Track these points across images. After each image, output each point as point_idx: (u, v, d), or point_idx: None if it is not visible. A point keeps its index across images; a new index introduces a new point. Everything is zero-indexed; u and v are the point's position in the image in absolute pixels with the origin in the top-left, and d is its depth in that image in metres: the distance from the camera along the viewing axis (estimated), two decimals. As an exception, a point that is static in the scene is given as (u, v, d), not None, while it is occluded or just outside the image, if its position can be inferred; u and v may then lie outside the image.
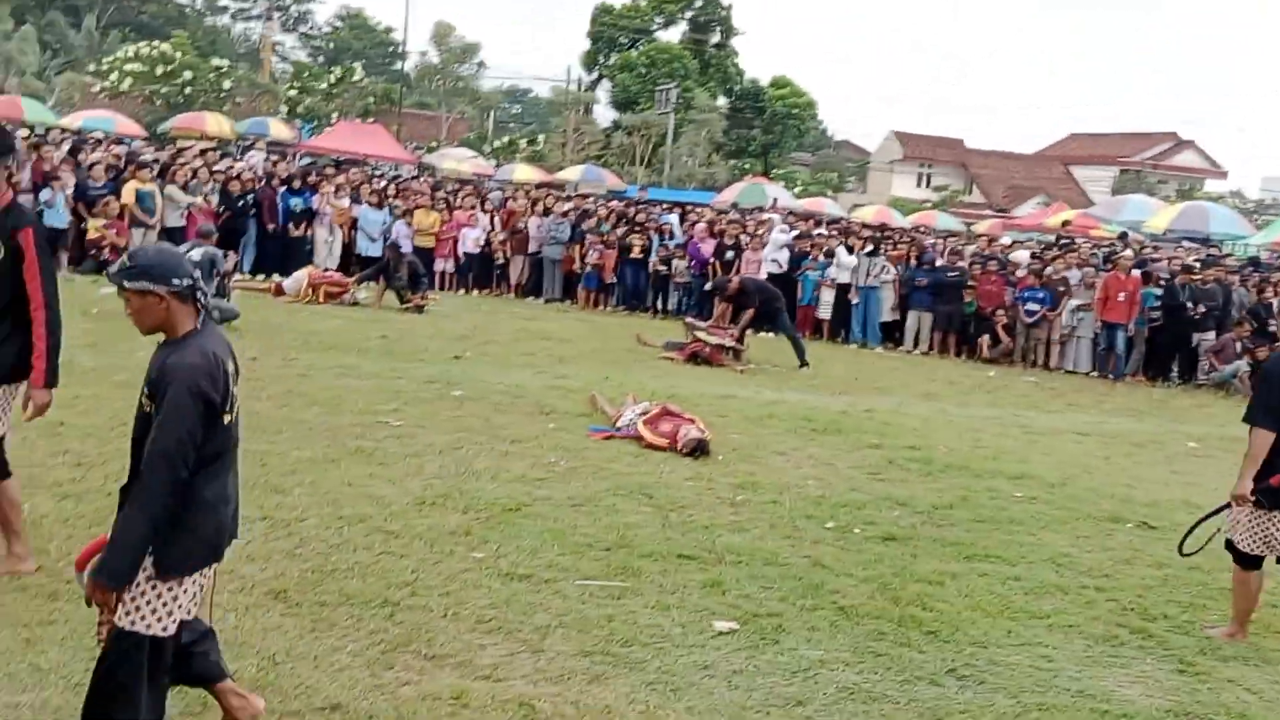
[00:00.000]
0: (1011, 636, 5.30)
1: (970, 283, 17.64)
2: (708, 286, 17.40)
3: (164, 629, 3.27)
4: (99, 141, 20.65)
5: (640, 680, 4.48)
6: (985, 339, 17.49)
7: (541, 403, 9.97)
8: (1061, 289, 17.27)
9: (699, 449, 8.34)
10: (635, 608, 5.25)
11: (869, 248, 18.23)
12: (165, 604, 3.26)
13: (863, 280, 17.90)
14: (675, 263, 18.74)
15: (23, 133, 18.94)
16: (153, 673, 3.27)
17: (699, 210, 22.75)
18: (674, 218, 20.51)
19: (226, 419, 3.34)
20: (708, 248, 18.62)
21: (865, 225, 23.19)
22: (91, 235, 15.71)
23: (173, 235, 16.04)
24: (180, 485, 3.20)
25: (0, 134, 4.65)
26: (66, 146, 17.48)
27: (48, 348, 4.67)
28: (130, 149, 20.12)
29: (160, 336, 3.39)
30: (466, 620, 4.91)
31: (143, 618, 3.23)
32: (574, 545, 6.05)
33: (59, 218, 15.50)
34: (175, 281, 3.30)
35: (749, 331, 14.87)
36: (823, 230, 20.35)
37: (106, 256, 15.66)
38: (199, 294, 3.35)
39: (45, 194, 15.41)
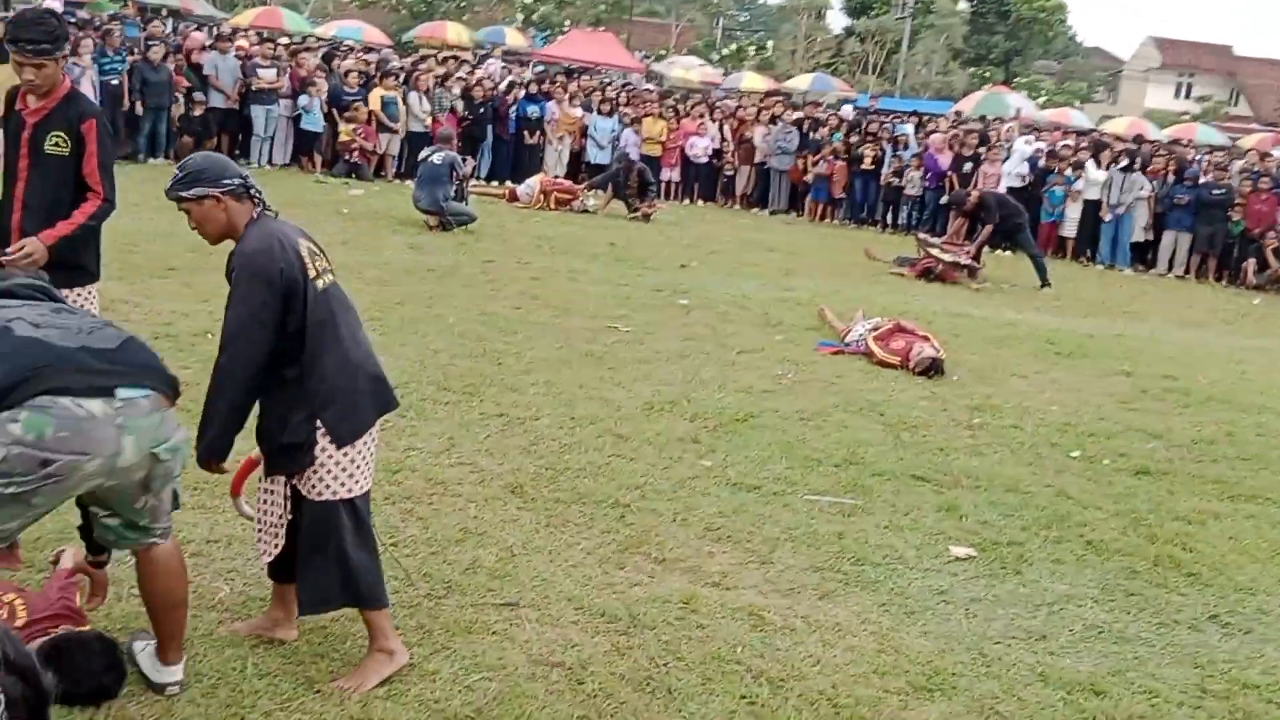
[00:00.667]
0: (1283, 585, 4.88)
1: (1237, 201, 16.23)
2: (944, 200, 16.68)
3: (349, 491, 3.38)
4: (350, 49, 21.52)
5: (873, 600, 4.36)
6: (1251, 263, 16.10)
7: (768, 314, 9.84)
8: (1344, 211, 15.66)
9: (933, 368, 8.02)
10: (866, 526, 5.11)
11: (1123, 162, 16.98)
12: (346, 469, 3.36)
13: (1114, 197, 16.75)
14: (909, 174, 18.03)
15: (283, 40, 19.91)
16: (356, 530, 3.40)
17: (936, 120, 21.75)
18: (909, 128, 19.69)
19: (320, 284, 3.34)
20: (945, 159, 17.80)
21: (1118, 138, 21.61)
22: (343, 139, 16.44)
23: (415, 140, 16.61)
24: (253, 364, 3.23)
25: (54, 22, 4.38)
26: (321, 54, 18.25)
27: (80, 226, 4.44)
28: (380, 56, 20.87)
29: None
30: (695, 527, 4.91)
31: (328, 486, 3.35)
32: (803, 459, 5.95)
33: (315, 122, 16.28)
34: (227, 181, 3.32)
35: (986, 248, 14.20)
36: (1069, 142, 19.09)
37: (355, 159, 16.40)
38: (253, 190, 3.37)
39: (303, 100, 16.19)
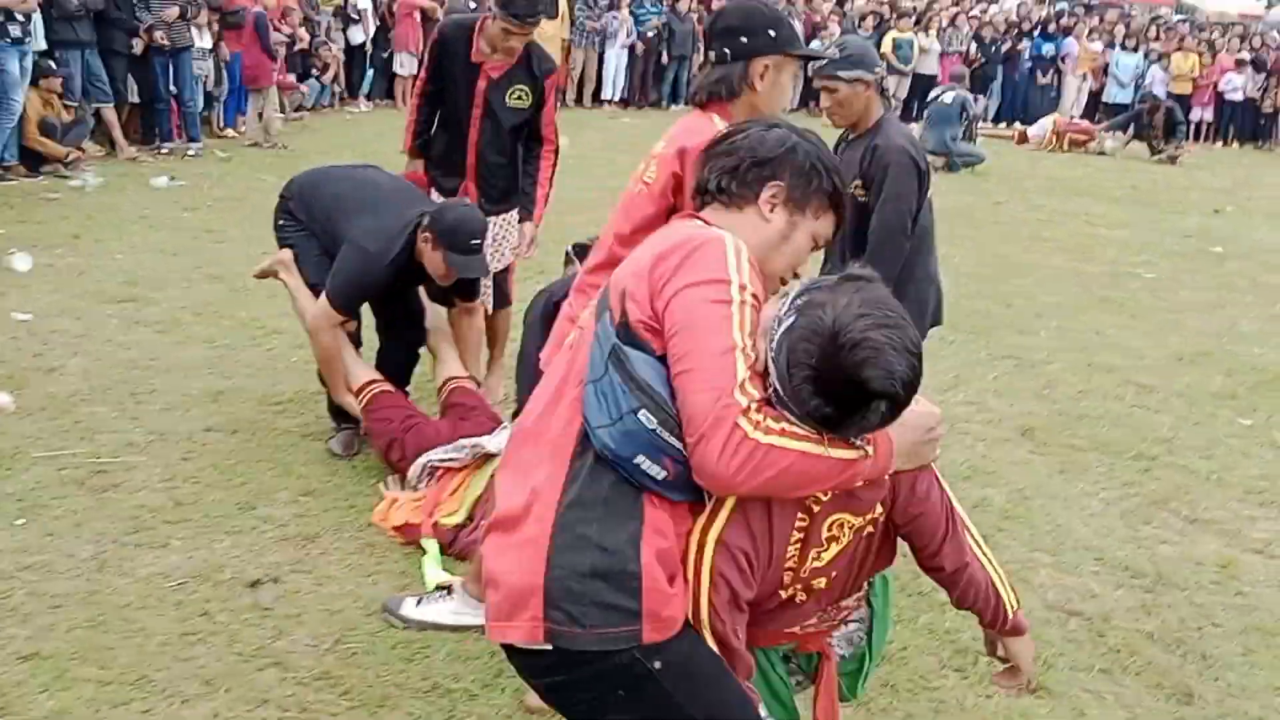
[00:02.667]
0: None
1: None
2: None
3: None
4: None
5: None
6: None
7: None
8: None
9: None
10: None
11: None
12: None
13: None
14: None
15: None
16: None
17: None
18: None
19: (927, 195, 3.41)
20: None
21: None
22: (847, 83, 16.51)
23: (924, 81, 16.33)
24: (902, 257, 3.32)
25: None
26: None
27: (550, 186, 4.63)
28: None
29: None
30: (1234, 488, 4.43)
31: None
32: (1371, 425, 5.16)
33: (821, 67, 16.50)
34: (877, 70, 3.37)
35: None
36: None
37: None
38: (885, 88, 3.45)
39: (815, 44, 16.44)
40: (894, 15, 17.09)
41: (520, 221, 4.65)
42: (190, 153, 9.78)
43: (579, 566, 1.60)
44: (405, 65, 13.54)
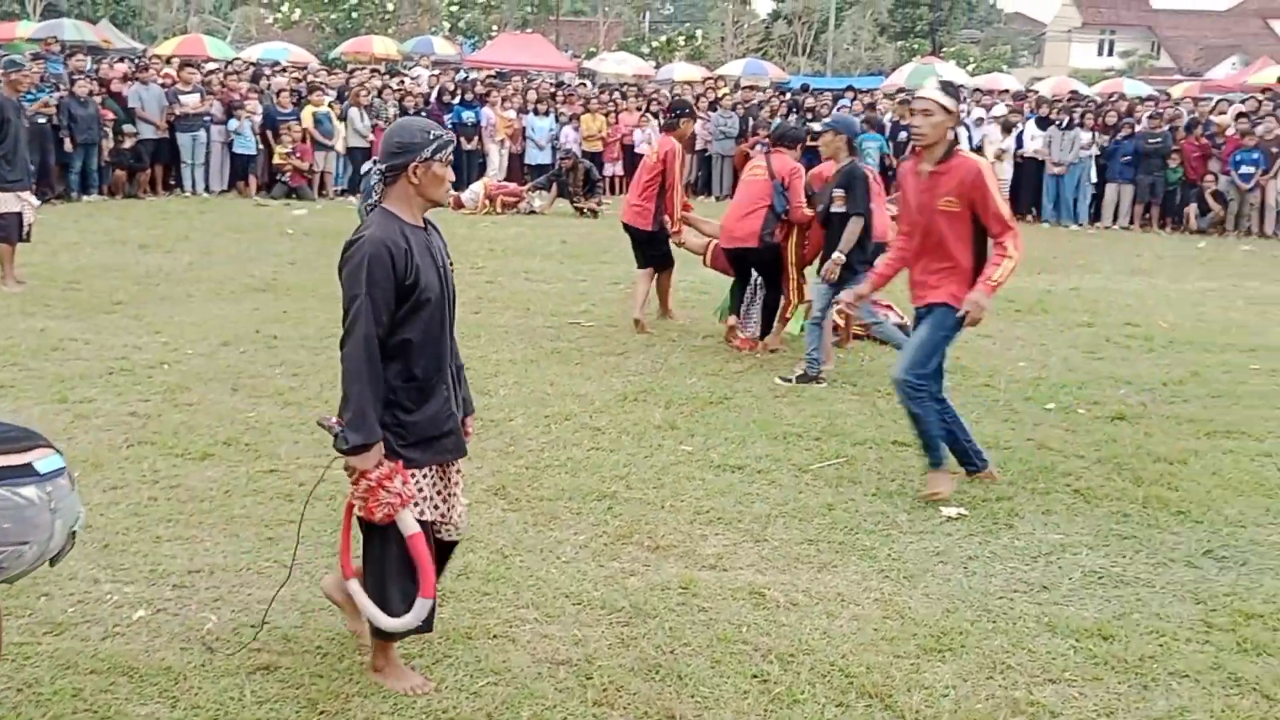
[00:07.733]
0: (1271, 515, 4.91)
1: (1174, 149, 16.45)
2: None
3: None
4: (282, 69, 21.18)
5: (871, 567, 4.32)
6: (1192, 208, 16.35)
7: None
8: (1276, 150, 15.91)
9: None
10: (855, 495, 5.08)
11: (1063, 120, 17.13)
12: None
13: (1059, 154, 16.87)
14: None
15: (210, 66, 19.56)
16: None
17: (870, 93, 21.88)
18: (846, 103, 19.78)
19: None
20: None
21: (1056, 99, 21.84)
22: (277, 160, 16.18)
23: (358, 155, 16.42)
24: None
25: None
26: (249, 75, 17.96)
27: None
28: (309, 73, 20.58)
29: None
30: (685, 512, 4.85)
31: None
32: (782, 435, 5.91)
33: (247, 145, 16.01)
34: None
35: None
36: (1003, 105, 19.27)
37: (288, 180, 16.13)
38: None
39: (233, 123, 15.91)
40: (309, 90, 17.05)
41: None
42: None
43: None
44: None
